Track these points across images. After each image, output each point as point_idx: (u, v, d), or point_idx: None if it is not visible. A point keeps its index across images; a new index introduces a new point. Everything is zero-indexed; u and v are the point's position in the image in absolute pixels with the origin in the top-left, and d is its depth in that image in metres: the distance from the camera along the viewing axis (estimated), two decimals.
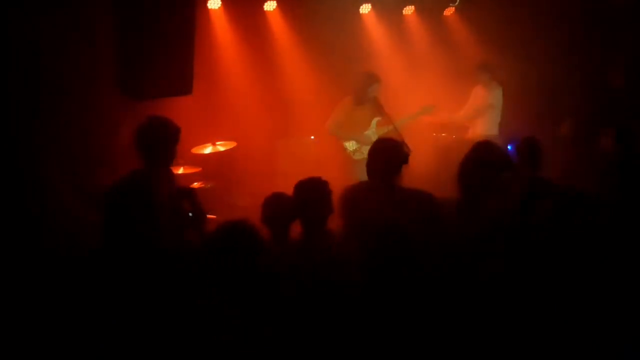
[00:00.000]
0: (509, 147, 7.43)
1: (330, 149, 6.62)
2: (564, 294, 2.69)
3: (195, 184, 6.05)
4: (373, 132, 6.35)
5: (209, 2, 6.58)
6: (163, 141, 3.80)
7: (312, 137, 7.24)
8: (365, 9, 7.64)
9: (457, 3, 8.02)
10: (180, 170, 5.88)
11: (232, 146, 6.37)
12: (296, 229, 3.54)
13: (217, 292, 2.45)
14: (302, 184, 3.52)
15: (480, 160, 4.06)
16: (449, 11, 8.13)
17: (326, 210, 3.45)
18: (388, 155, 3.90)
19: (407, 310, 2.43)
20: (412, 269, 2.52)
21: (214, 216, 5.88)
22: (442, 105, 6.82)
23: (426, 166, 5.85)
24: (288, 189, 3.91)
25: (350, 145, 6.36)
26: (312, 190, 3.46)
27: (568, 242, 2.81)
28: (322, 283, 2.98)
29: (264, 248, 2.52)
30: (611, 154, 4.74)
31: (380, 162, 3.90)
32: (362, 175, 6.03)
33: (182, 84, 5.69)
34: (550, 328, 2.59)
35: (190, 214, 3.75)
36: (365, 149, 6.34)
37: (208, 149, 6.25)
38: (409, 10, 7.95)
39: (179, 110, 5.24)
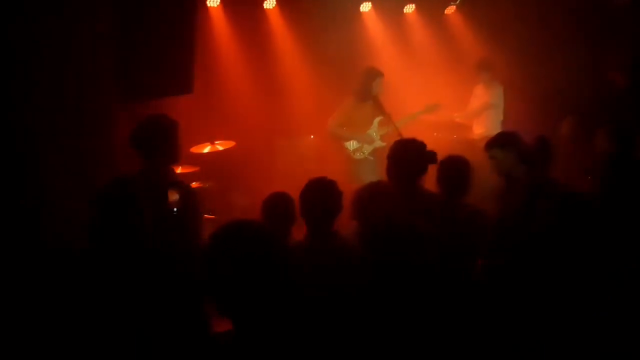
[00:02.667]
0: None
1: (330, 149, 6.59)
2: (564, 294, 2.68)
3: (194, 184, 6.03)
4: (375, 131, 6.31)
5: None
6: (157, 137, 3.67)
7: (312, 137, 7.21)
8: (366, 7, 7.62)
9: (458, 2, 8.00)
10: (179, 170, 5.85)
11: (230, 145, 6.34)
12: (302, 230, 3.47)
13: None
14: (311, 184, 3.43)
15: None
16: (450, 10, 8.11)
17: (335, 211, 3.38)
18: (409, 157, 3.87)
19: (416, 317, 2.38)
20: (426, 275, 2.45)
21: (213, 216, 5.87)
22: (442, 104, 6.79)
23: None
24: (287, 188, 3.89)
25: (351, 144, 6.32)
26: (322, 190, 3.38)
27: (567, 243, 2.78)
28: (326, 285, 2.94)
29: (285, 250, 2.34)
30: (606, 154, 4.73)
31: (401, 164, 3.86)
32: (362, 175, 6.06)
33: (182, 83, 5.65)
34: (553, 329, 2.57)
35: (175, 210, 3.52)
36: (366, 149, 6.34)
37: (207, 149, 6.22)
38: (409, 8, 7.93)
39: (177, 109, 5.21)
